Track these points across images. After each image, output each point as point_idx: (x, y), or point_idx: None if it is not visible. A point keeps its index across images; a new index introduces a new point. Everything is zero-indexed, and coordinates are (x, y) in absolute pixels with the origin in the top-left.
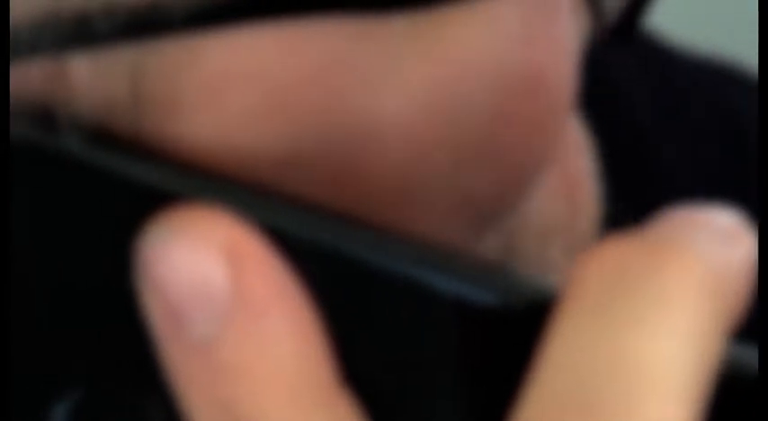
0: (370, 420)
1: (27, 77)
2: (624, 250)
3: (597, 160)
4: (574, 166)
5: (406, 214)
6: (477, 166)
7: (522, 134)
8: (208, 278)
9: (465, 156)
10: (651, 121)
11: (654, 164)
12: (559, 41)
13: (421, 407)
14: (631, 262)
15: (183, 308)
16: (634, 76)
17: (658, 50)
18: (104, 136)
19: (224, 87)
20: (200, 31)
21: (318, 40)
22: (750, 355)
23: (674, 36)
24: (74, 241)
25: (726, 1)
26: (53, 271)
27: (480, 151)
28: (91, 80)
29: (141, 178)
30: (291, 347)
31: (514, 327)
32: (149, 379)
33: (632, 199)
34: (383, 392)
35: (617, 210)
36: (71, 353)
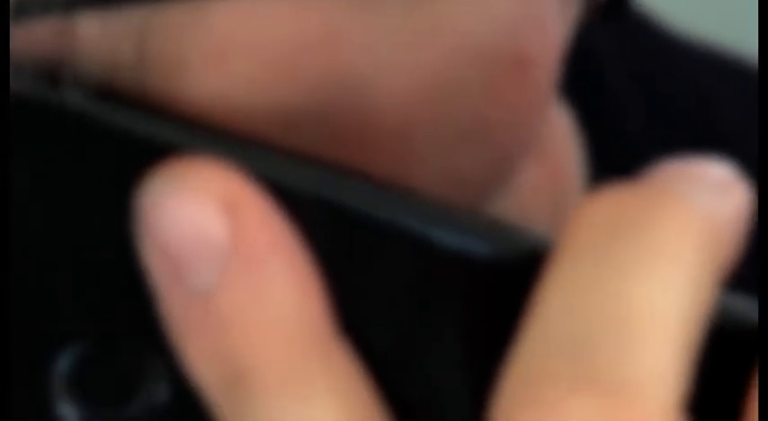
0: (368, 370)
1: (35, 35)
2: (619, 200)
3: (583, 148)
4: (559, 156)
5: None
6: (466, 144)
7: (509, 115)
8: (206, 228)
9: (455, 133)
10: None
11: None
12: (545, 24)
13: (418, 359)
14: (626, 211)
15: (181, 258)
16: (617, 57)
17: (645, 31)
18: (108, 93)
19: (228, 51)
20: None
21: (321, 8)
22: (741, 304)
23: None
24: (75, 194)
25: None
26: (55, 223)
27: (468, 130)
28: (98, 39)
29: (142, 131)
30: (289, 297)
31: (512, 278)
32: (150, 331)
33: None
34: (381, 343)
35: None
36: (73, 306)
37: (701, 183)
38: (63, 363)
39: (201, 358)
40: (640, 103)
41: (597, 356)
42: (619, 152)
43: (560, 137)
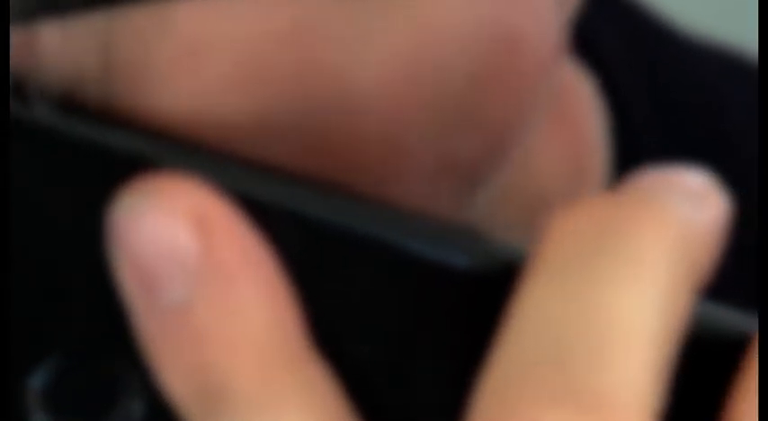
0: (342, 384)
1: None
2: (596, 208)
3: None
4: (579, 122)
5: (389, 180)
6: (457, 129)
7: (501, 96)
8: (178, 244)
9: (445, 118)
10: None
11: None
12: (535, 5)
13: (393, 370)
14: (603, 220)
15: (154, 274)
16: (623, 54)
17: (650, 28)
18: (75, 105)
19: (196, 54)
20: None
21: (291, 2)
22: (717, 313)
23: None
24: (47, 209)
25: None
26: (26, 240)
27: (460, 113)
28: (60, 49)
29: (111, 146)
30: (261, 312)
31: (486, 289)
32: (124, 347)
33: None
34: (355, 356)
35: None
36: (47, 323)
37: (678, 192)
38: (38, 379)
39: (175, 372)
40: (644, 99)
41: (573, 368)
42: (623, 146)
43: (580, 103)
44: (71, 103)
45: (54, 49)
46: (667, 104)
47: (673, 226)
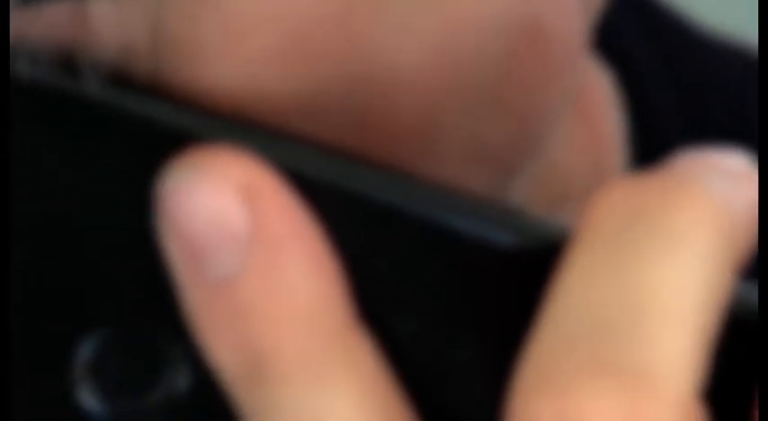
0: (389, 358)
1: (50, 21)
2: (638, 188)
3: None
4: (599, 116)
5: (425, 165)
6: (487, 115)
7: (527, 84)
8: (226, 217)
9: (476, 105)
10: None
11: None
12: None
13: (438, 346)
14: (645, 199)
15: (202, 246)
16: (646, 52)
17: (668, 20)
18: (125, 80)
19: (245, 30)
20: None
21: None
22: (756, 293)
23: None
24: (96, 183)
25: None
26: (77, 212)
27: (489, 100)
28: (111, 23)
29: (160, 120)
30: (308, 286)
31: (533, 266)
32: (170, 320)
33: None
34: (402, 331)
35: None
36: (95, 294)
37: (717, 172)
38: (84, 351)
39: (221, 345)
40: (669, 94)
41: (615, 342)
42: (647, 139)
43: (600, 97)
44: (121, 78)
45: (105, 23)
46: (691, 101)
47: (713, 205)
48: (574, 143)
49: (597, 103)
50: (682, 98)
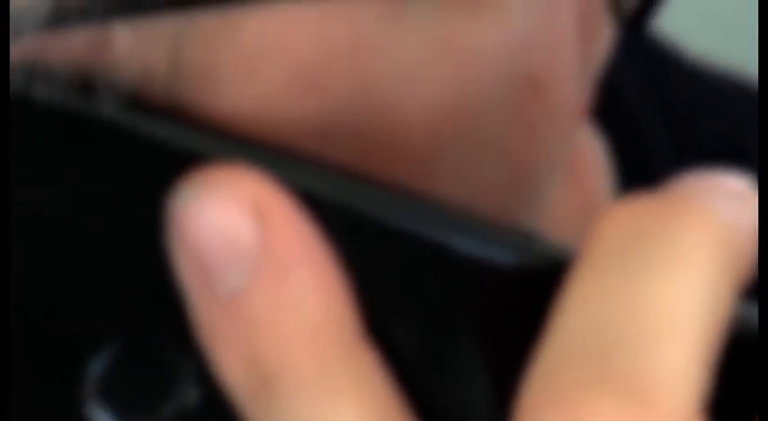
0: (393, 374)
1: (69, 44)
2: (641, 208)
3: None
4: (592, 187)
5: (427, 191)
6: (485, 159)
7: (527, 130)
8: (236, 233)
9: (474, 148)
10: (654, 132)
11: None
12: (559, 48)
13: (443, 363)
14: (649, 218)
15: (211, 262)
16: (641, 89)
17: (669, 61)
18: (141, 103)
19: (261, 59)
20: (241, 1)
21: (350, 18)
22: (755, 313)
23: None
24: (109, 201)
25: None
26: (89, 229)
27: (488, 144)
28: (131, 49)
29: (173, 140)
30: (316, 301)
31: (535, 286)
32: (180, 336)
33: None
34: (406, 348)
35: None
36: (107, 311)
37: (719, 192)
38: (95, 367)
39: (231, 360)
40: (662, 136)
41: (620, 357)
42: (642, 176)
43: (591, 163)
44: (138, 101)
45: (125, 48)
46: (682, 131)
47: (716, 225)
48: (563, 207)
49: (589, 168)
50: (672, 128)
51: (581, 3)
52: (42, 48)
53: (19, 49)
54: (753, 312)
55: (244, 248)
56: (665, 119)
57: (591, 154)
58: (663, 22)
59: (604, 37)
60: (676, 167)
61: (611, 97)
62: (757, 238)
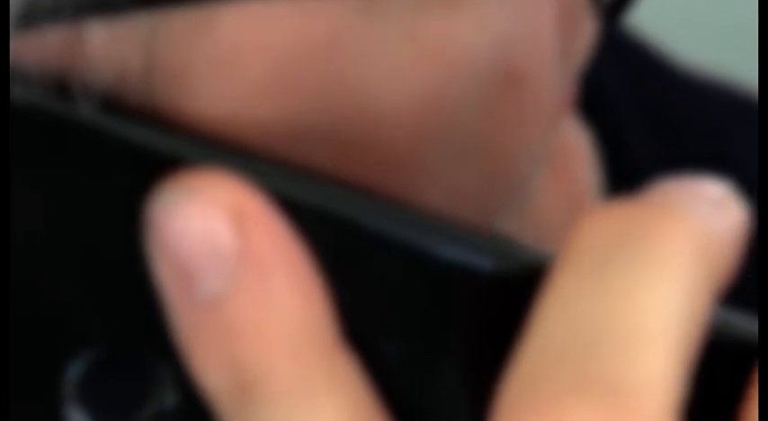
0: (374, 380)
1: (44, 45)
2: (620, 213)
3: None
4: (579, 180)
5: (408, 196)
6: (464, 157)
7: (503, 130)
8: (215, 237)
9: (456, 147)
10: (637, 135)
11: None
12: (539, 42)
13: (423, 369)
14: (627, 224)
15: (191, 266)
16: (625, 94)
17: (651, 64)
18: (117, 104)
19: (235, 59)
20: (215, 1)
21: (326, 14)
22: (736, 318)
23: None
24: (86, 205)
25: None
26: (66, 233)
27: (467, 142)
28: (105, 49)
29: (151, 144)
30: (295, 306)
31: (514, 291)
32: (159, 340)
33: None
34: (386, 354)
35: None
36: (84, 314)
37: (699, 199)
38: (74, 370)
39: (209, 365)
40: (646, 140)
41: (597, 362)
42: (625, 178)
43: (578, 156)
44: (113, 103)
45: (99, 49)
46: (667, 136)
47: (694, 230)
48: (550, 200)
49: (576, 161)
50: (655, 132)
51: (560, 2)
52: (16, 48)
53: None
54: (731, 318)
55: (223, 253)
56: (648, 122)
57: (577, 147)
58: (646, 25)
59: (586, 31)
60: (658, 171)
61: (595, 100)
62: (738, 244)
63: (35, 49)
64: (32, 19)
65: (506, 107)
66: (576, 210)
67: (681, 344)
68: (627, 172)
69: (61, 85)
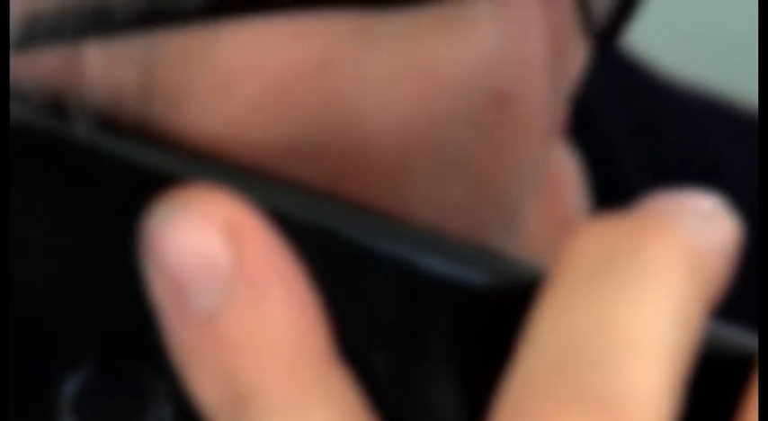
0: (367, 393)
1: (42, 65)
2: (611, 228)
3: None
4: (567, 205)
5: (399, 211)
6: (454, 178)
7: (492, 150)
8: (210, 254)
9: (445, 167)
10: (627, 150)
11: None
12: (530, 64)
13: (416, 383)
14: (618, 239)
15: (185, 282)
16: (613, 107)
17: (640, 78)
18: (113, 124)
19: (231, 80)
20: (212, 22)
21: (319, 35)
22: (728, 332)
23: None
24: (82, 222)
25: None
26: (62, 250)
27: (454, 166)
28: (103, 69)
29: (146, 161)
30: (289, 321)
31: (506, 306)
32: (154, 354)
33: None
34: (379, 368)
35: None
36: (81, 331)
37: (689, 213)
38: (70, 386)
39: (204, 380)
40: (636, 155)
41: (590, 376)
42: (615, 195)
43: (566, 182)
44: (109, 122)
45: (97, 69)
46: (659, 156)
47: (684, 245)
48: (538, 224)
49: (564, 186)
50: (646, 146)
51: (552, 19)
52: (14, 67)
53: None
54: (724, 331)
55: (217, 269)
56: (637, 137)
57: (565, 172)
58: (634, 38)
59: (577, 53)
60: (648, 184)
61: (584, 118)
62: (729, 257)
63: (33, 67)
64: (31, 39)
65: (496, 128)
66: (563, 236)
67: (674, 357)
68: (618, 190)
69: (58, 104)
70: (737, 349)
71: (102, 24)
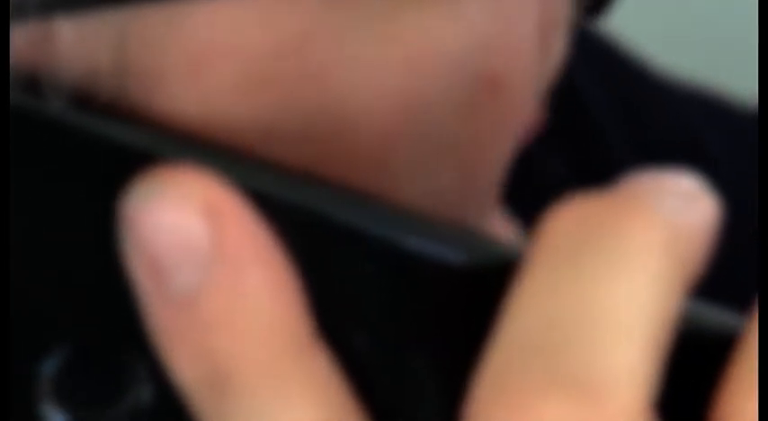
0: (347, 373)
1: (13, 43)
2: (589, 207)
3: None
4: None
5: (383, 193)
6: (435, 161)
7: (479, 133)
8: (188, 233)
9: (424, 149)
10: (618, 139)
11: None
12: (519, 47)
13: (396, 363)
14: (595, 218)
15: (164, 262)
16: (597, 93)
17: (620, 61)
18: (88, 102)
19: (206, 58)
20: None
21: (297, 10)
22: (707, 311)
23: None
24: (58, 202)
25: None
26: (39, 231)
27: (439, 146)
28: (75, 47)
29: (124, 140)
30: (268, 300)
31: (482, 285)
32: (133, 335)
33: None
34: (360, 347)
35: None
36: (59, 312)
37: (668, 192)
38: (48, 367)
39: (183, 360)
40: (625, 140)
41: (567, 357)
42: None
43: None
44: (84, 99)
45: (69, 45)
46: (647, 146)
47: (662, 224)
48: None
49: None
50: (632, 129)
51: (542, 10)
52: None
53: None
54: (703, 310)
55: (196, 249)
56: (623, 121)
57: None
58: (631, 38)
59: (560, 43)
60: (635, 165)
61: (574, 101)
62: (708, 237)
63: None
64: None
65: (483, 111)
66: None
67: (651, 336)
68: (606, 170)
69: (31, 82)
70: (717, 329)
71: (70, 1)
